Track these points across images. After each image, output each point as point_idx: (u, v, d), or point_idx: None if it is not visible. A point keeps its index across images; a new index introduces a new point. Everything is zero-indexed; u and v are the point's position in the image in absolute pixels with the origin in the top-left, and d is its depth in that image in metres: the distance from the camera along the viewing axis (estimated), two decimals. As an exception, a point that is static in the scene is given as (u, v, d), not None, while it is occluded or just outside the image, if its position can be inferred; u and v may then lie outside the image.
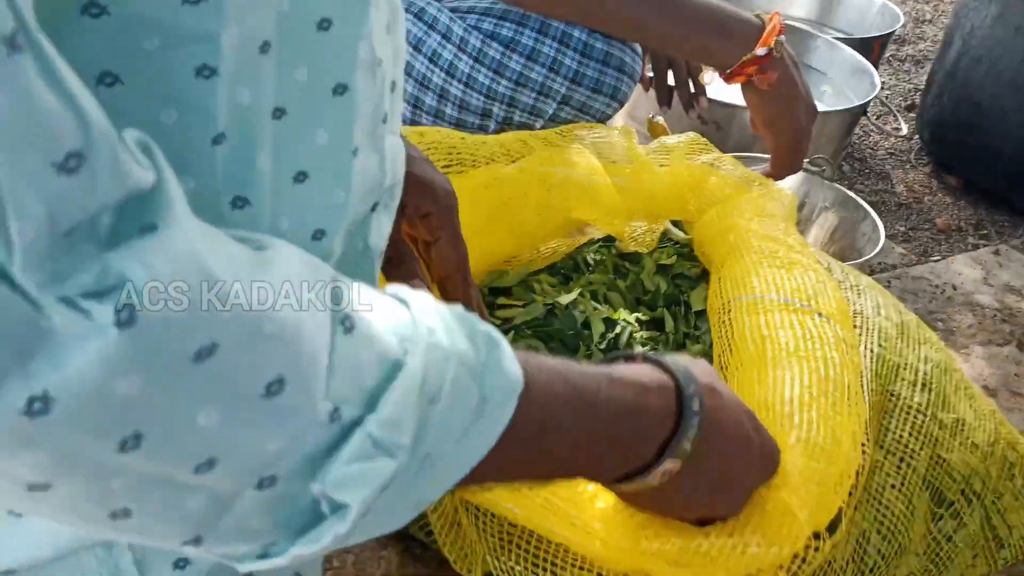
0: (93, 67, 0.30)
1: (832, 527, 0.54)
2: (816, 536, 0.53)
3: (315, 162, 0.36)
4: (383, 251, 0.44)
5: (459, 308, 0.36)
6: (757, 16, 0.90)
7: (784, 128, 0.91)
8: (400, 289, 0.35)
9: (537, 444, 0.38)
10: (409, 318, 0.33)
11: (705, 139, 0.92)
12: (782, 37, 0.89)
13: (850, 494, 0.56)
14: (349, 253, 0.40)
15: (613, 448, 0.42)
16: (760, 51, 0.88)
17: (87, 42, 0.29)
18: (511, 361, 0.35)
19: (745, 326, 0.66)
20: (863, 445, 0.59)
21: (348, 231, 0.39)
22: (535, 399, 0.36)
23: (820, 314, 0.64)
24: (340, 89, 0.36)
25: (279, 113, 0.34)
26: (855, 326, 0.72)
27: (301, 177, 0.35)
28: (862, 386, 0.64)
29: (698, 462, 0.45)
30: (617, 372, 0.43)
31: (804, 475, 0.51)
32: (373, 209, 0.41)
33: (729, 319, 0.68)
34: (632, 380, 0.43)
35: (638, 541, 0.49)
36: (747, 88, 0.91)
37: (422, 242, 0.63)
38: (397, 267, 0.60)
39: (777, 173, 0.93)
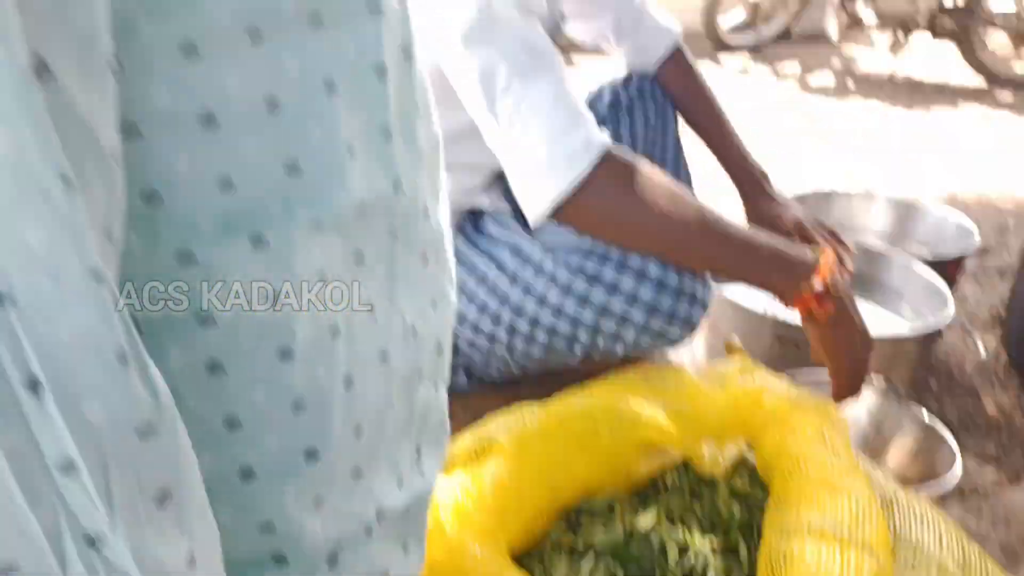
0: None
1: None
2: None
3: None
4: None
5: None
6: (811, 251, 1.00)
7: (842, 358, 0.98)
8: None
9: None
10: None
11: (752, 360, 1.00)
12: (838, 277, 0.98)
13: None
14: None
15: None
16: (817, 285, 0.97)
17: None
18: None
19: (781, 551, 0.70)
20: None
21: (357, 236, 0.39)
22: None
23: (858, 543, 0.68)
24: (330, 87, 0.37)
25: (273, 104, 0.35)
26: (913, 559, 0.75)
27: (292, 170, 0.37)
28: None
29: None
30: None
31: None
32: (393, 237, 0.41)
33: (774, 543, 0.73)
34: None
35: None
36: (806, 320, 1.00)
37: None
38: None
39: (838, 397, 0.99)
